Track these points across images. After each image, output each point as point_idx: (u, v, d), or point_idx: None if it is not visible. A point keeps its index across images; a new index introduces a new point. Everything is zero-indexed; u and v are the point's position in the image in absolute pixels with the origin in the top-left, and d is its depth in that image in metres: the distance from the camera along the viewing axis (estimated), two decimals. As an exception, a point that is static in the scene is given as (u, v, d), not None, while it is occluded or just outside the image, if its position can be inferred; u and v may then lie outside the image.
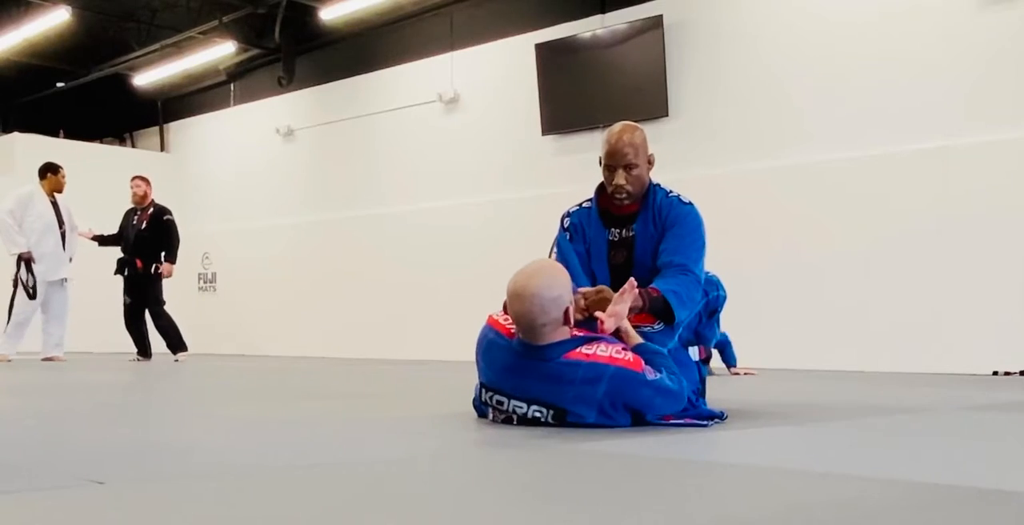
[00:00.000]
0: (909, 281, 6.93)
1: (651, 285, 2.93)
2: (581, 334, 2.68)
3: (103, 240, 8.75)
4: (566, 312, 2.61)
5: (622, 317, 2.76)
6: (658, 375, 2.65)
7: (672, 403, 2.70)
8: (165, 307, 8.54)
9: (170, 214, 8.63)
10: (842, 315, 7.21)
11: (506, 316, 2.76)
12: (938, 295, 6.80)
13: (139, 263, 8.45)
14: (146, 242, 8.49)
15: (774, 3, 7.92)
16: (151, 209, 8.59)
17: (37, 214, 8.38)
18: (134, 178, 8.70)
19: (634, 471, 1.93)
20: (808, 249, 7.46)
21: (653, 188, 3.14)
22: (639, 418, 2.68)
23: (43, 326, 8.48)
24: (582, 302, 2.81)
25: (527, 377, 2.63)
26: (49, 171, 8.52)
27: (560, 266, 2.75)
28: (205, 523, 1.37)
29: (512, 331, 2.70)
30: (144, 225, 8.52)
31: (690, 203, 3.13)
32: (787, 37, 7.80)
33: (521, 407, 2.66)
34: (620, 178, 3.04)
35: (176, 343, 8.55)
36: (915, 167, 7.00)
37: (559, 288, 2.59)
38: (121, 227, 8.72)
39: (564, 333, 2.64)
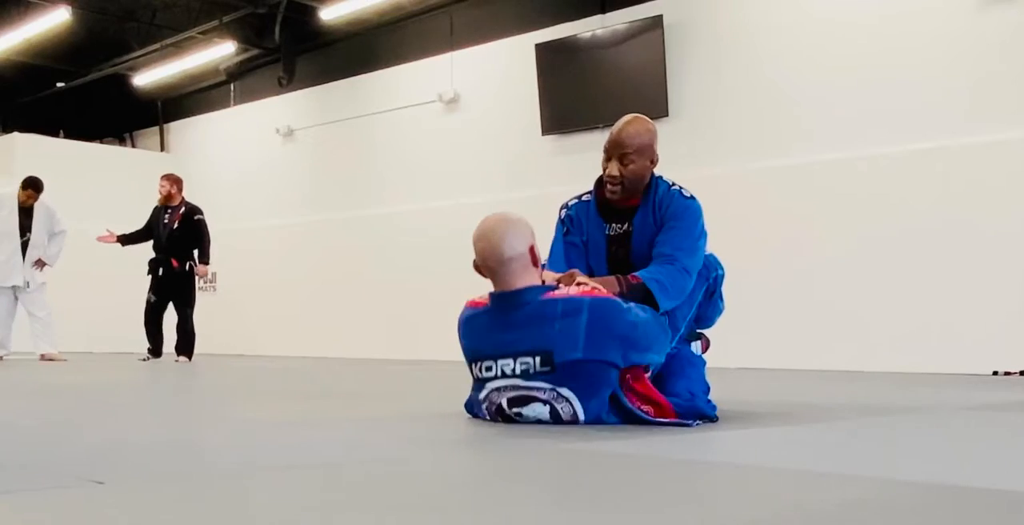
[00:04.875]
0: (909, 281, 6.93)
1: (634, 273, 2.89)
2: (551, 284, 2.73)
3: (127, 239, 8.66)
4: (532, 250, 2.68)
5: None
6: (630, 306, 2.67)
7: (655, 335, 2.72)
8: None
9: (201, 213, 8.60)
10: (842, 315, 7.21)
11: (480, 296, 2.80)
12: (938, 295, 6.80)
13: (175, 263, 8.44)
14: (179, 241, 8.49)
15: (774, 3, 7.92)
16: (182, 208, 8.58)
17: (2, 218, 8.44)
18: (161, 177, 8.70)
19: (633, 471, 1.93)
20: (808, 249, 7.46)
21: (655, 181, 3.07)
22: (633, 404, 2.65)
23: (31, 329, 8.51)
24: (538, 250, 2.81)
25: (509, 328, 2.62)
26: (21, 185, 8.52)
27: (520, 215, 2.80)
28: (205, 523, 1.37)
29: (485, 301, 2.74)
30: (176, 224, 8.51)
31: (692, 197, 3.06)
32: (787, 37, 7.80)
33: (508, 364, 2.62)
34: (613, 168, 2.99)
35: (187, 348, 8.56)
36: (915, 167, 7.00)
37: (520, 224, 2.71)
38: (148, 225, 8.70)
39: (536, 277, 2.70)
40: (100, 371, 6.87)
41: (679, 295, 2.92)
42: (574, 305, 2.58)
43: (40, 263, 8.51)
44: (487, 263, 2.69)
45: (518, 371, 2.61)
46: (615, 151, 2.99)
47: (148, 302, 8.58)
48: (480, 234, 2.71)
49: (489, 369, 2.67)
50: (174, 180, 8.68)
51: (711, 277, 3.12)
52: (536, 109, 9.20)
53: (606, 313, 2.59)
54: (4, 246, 8.42)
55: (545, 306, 2.59)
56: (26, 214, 8.52)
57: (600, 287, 2.72)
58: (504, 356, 2.63)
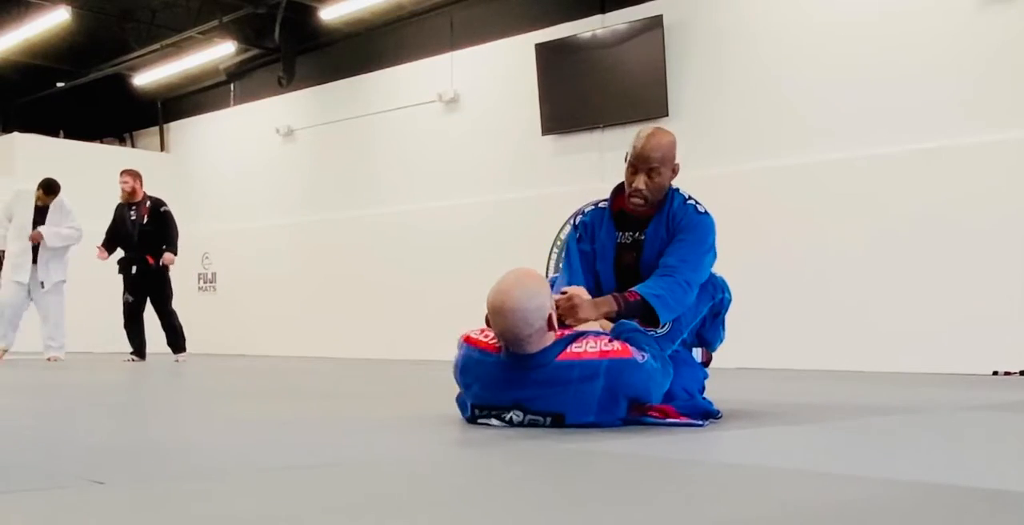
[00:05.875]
0: (909, 281, 6.93)
1: (632, 288, 2.91)
2: (566, 333, 2.69)
3: (109, 247, 8.48)
4: (549, 318, 2.61)
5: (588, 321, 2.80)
6: (645, 356, 2.65)
7: (662, 383, 2.73)
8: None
9: (166, 205, 8.47)
10: (841, 315, 7.21)
11: (483, 332, 2.75)
12: (938, 295, 6.79)
13: (150, 259, 8.27)
14: (152, 237, 8.31)
15: (774, 3, 7.92)
16: (147, 203, 8.39)
17: (19, 214, 8.50)
18: (121, 173, 8.50)
19: (634, 471, 1.93)
20: (808, 249, 7.45)
21: (672, 193, 3.10)
22: (634, 416, 2.67)
23: (40, 332, 8.50)
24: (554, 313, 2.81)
25: (524, 387, 2.62)
26: (37, 187, 8.55)
27: (535, 273, 2.71)
28: (205, 523, 1.37)
29: (495, 346, 2.69)
30: (145, 220, 8.33)
31: (706, 213, 3.09)
32: (787, 37, 7.80)
33: (518, 415, 2.64)
34: (640, 182, 3.01)
35: (180, 343, 8.49)
36: (915, 167, 7.00)
37: (538, 298, 2.59)
38: (115, 223, 8.49)
39: (550, 337, 2.64)
40: (99, 371, 6.86)
41: (680, 307, 2.95)
42: (591, 370, 2.57)
43: (37, 235, 8.40)
44: (503, 337, 2.63)
45: (526, 423, 2.63)
46: (643, 165, 3.01)
47: (125, 302, 8.39)
48: (496, 309, 2.58)
49: (497, 417, 2.67)
50: (135, 175, 8.46)
51: (717, 297, 3.15)
52: (536, 109, 9.20)
53: (622, 376, 2.58)
54: (20, 242, 8.43)
55: (560, 370, 2.58)
56: (39, 213, 8.52)
57: (605, 322, 2.74)
58: (517, 410, 2.64)
